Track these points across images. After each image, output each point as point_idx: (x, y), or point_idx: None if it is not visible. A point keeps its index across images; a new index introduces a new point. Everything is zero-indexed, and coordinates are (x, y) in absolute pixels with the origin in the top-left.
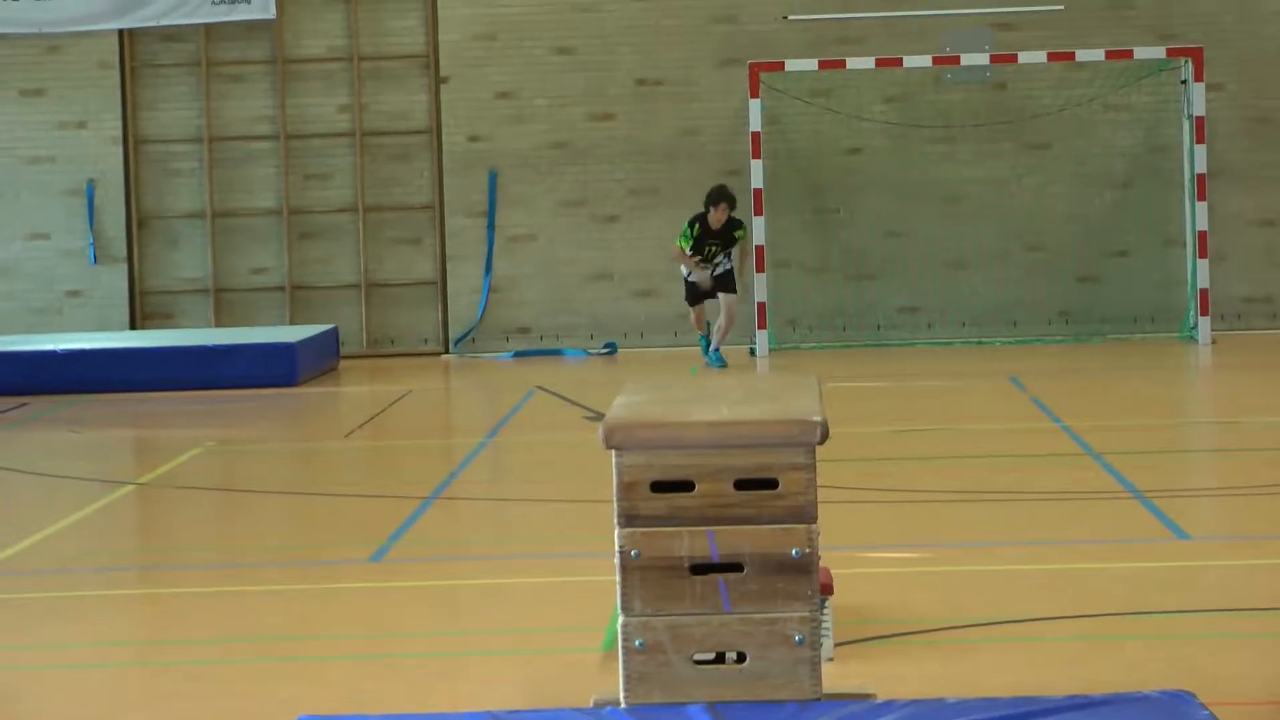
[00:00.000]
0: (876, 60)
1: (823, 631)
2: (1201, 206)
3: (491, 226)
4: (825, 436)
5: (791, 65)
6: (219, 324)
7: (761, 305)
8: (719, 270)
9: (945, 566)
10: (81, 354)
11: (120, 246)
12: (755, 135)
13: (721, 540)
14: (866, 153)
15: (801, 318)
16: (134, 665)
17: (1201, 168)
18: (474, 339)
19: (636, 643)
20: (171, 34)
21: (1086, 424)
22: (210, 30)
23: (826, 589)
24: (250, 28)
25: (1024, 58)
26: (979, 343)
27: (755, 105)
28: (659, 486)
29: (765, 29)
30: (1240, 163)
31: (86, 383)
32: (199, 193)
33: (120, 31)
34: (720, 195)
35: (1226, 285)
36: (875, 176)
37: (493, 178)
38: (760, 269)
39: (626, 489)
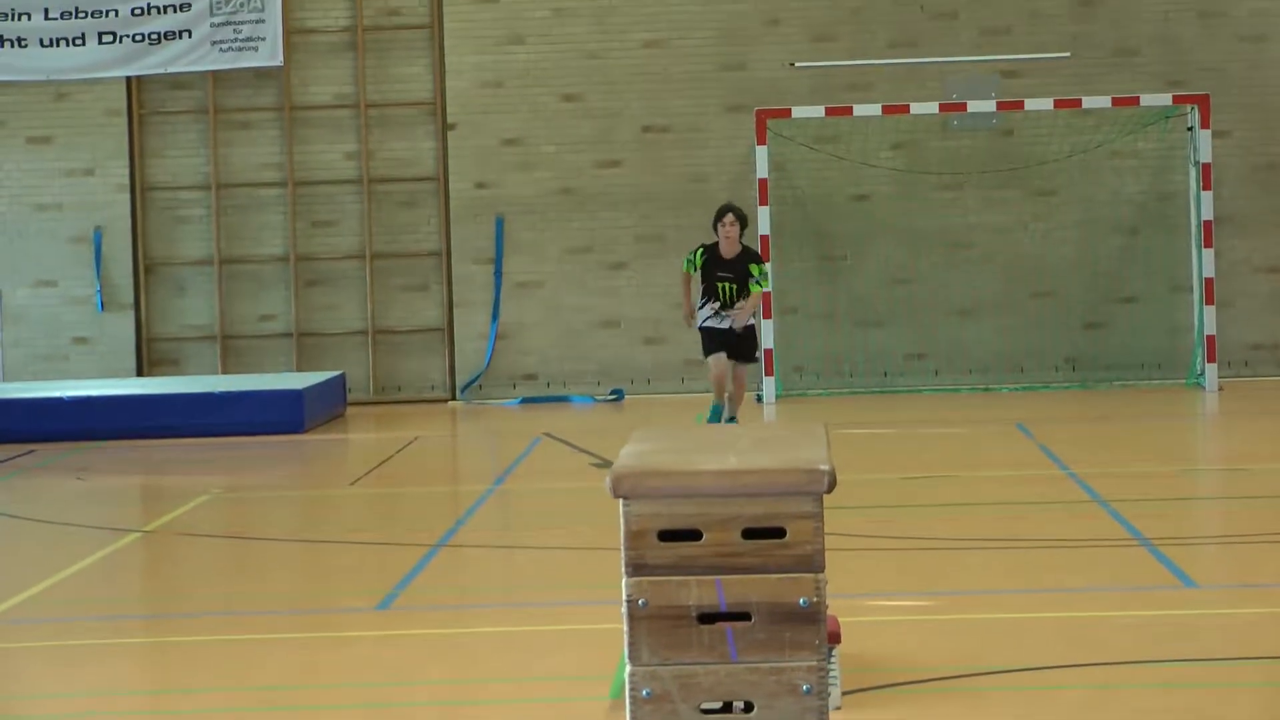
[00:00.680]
0: (883, 107)
1: (830, 681)
2: (1208, 253)
3: (498, 273)
4: (833, 485)
5: (798, 112)
6: (226, 371)
7: (769, 351)
8: (739, 324)
9: (953, 615)
10: (88, 401)
11: (127, 293)
12: (762, 182)
13: (729, 589)
14: (873, 199)
15: (809, 364)
16: (139, 714)
17: (1208, 214)
18: (481, 385)
19: (644, 692)
20: (179, 81)
21: (1094, 471)
22: (218, 77)
23: (834, 638)
24: (258, 75)
25: (1030, 104)
26: (986, 389)
27: (762, 152)
28: (667, 535)
29: (772, 76)
30: (1247, 209)
31: (93, 430)
32: (206, 239)
33: (128, 79)
34: (728, 208)
35: (1233, 332)
36: (882, 223)
37: (500, 224)
38: (767, 315)
39: (634, 538)
